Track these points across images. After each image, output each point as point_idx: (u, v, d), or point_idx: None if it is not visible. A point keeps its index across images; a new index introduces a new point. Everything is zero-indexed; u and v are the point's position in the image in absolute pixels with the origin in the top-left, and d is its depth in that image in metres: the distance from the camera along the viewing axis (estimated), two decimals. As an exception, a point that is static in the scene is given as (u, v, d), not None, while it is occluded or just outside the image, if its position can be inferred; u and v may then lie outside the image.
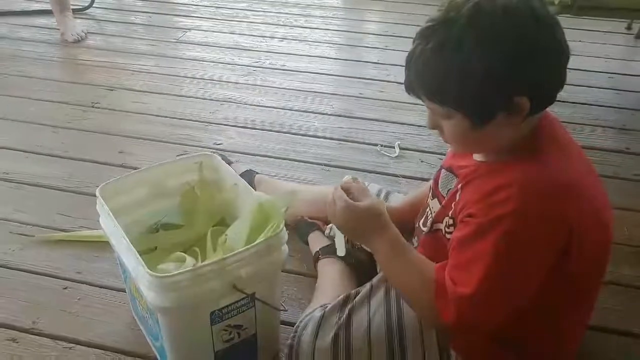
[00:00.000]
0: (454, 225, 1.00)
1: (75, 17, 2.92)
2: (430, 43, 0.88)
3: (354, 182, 1.14)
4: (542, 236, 0.89)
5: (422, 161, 1.96)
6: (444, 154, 1.20)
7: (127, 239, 1.06)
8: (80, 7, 3.11)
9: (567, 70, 0.92)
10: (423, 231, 1.14)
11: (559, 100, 0.98)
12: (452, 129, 0.95)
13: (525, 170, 0.90)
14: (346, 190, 1.10)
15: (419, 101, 0.96)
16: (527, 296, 0.94)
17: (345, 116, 2.24)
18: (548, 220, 0.88)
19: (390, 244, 1.05)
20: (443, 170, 1.13)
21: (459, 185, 1.03)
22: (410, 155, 1.99)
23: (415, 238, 1.20)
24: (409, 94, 0.96)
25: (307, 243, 1.51)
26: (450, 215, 1.03)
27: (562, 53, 0.90)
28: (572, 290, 0.97)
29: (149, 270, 0.98)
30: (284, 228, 1.10)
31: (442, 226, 1.06)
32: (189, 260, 1.17)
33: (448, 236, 1.02)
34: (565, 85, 0.92)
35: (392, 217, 1.29)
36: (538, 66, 0.87)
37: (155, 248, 1.28)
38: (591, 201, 0.94)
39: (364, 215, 1.06)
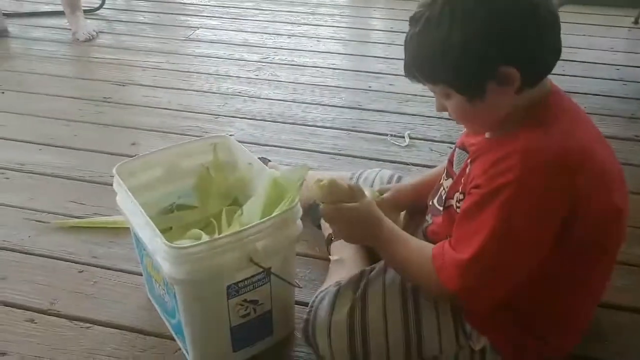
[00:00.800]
0: (463, 199, 1.01)
1: (86, 18, 2.96)
2: (418, 26, 0.91)
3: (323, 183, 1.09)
4: (543, 205, 0.90)
5: (432, 150, 1.97)
6: (454, 143, 1.22)
7: (144, 213, 1.07)
8: (91, 7, 3.15)
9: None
10: (439, 210, 1.15)
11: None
12: (453, 107, 0.97)
13: (527, 140, 0.91)
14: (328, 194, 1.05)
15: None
16: (529, 265, 0.94)
17: (355, 108, 2.26)
18: (549, 189, 0.89)
19: (389, 233, 1.06)
20: (457, 149, 1.15)
21: (469, 160, 1.04)
22: (420, 144, 2.00)
23: (429, 215, 1.21)
24: (409, 79, 0.99)
25: (319, 227, 1.51)
26: (460, 190, 1.04)
27: (542, 22, 0.89)
28: (580, 264, 0.98)
29: (166, 241, 0.99)
30: (299, 203, 1.11)
31: (453, 202, 1.07)
32: (205, 237, 1.18)
33: (459, 210, 1.03)
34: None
35: (406, 194, 1.31)
36: (517, 40, 0.87)
37: (170, 228, 1.29)
38: (599, 167, 0.94)
39: (355, 215, 1.05)
